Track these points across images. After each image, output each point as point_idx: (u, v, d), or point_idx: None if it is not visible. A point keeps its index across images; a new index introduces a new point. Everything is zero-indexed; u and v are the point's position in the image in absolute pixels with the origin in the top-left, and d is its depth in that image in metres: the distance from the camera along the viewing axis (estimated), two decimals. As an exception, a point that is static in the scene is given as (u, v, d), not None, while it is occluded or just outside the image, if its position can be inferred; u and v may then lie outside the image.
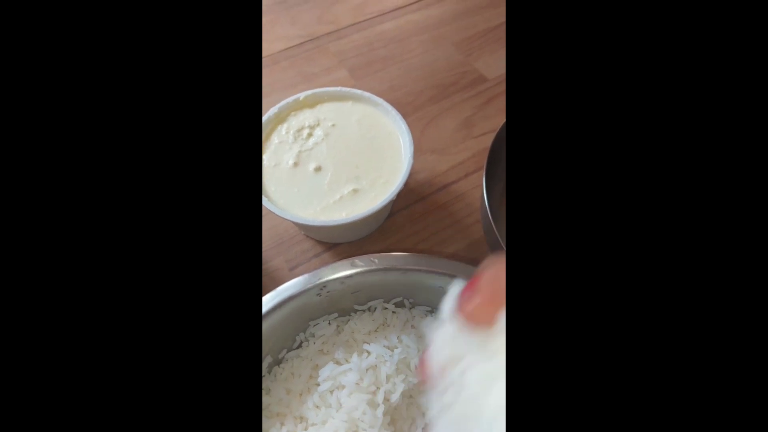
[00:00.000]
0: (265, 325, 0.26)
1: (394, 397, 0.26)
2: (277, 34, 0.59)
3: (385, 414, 0.26)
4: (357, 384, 0.26)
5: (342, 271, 0.27)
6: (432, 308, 0.31)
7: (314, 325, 0.30)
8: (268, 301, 0.26)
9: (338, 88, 0.41)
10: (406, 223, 0.44)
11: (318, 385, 0.27)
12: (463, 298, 0.17)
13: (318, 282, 0.27)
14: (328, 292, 0.28)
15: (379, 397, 0.26)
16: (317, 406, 0.27)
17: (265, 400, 0.28)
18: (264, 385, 0.29)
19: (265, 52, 0.57)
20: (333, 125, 0.40)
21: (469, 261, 0.36)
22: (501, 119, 0.38)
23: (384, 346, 0.28)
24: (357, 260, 0.27)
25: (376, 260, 0.27)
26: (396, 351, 0.28)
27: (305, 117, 0.40)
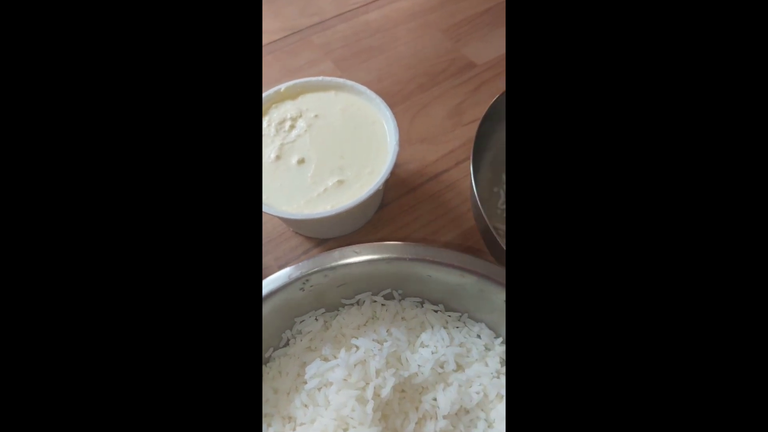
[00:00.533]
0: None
1: (385, 392, 0.25)
2: (260, 28, 0.58)
3: (375, 410, 0.25)
4: (345, 380, 0.25)
5: (324, 263, 0.26)
6: (423, 299, 0.30)
7: (300, 322, 0.29)
8: (249, 297, 0.25)
9: (320, 78, 0.40)
10: (398, 215, 0.43)
11: (306, 383, 0.26)
12: None
13: (300, 275, 0.26)
14: (311, 286, 0.27)
15: (369, 393, 0.25)
16: (305, 405, 0.26)
17: (252, 400, 0.27)
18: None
19: (248, 48, 0.56)
20: (316, 116, 0.38)
21: (464, 249, 0.35)
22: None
23: (373, 340, 0.27)
24: (338, 251, 0.26)
25: (358, 251, 0.26)
26: (386, 344, 0.27)
27: (287, 109, 0.39)
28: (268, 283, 0.26)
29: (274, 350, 0.29)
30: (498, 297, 0.27)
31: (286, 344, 0.29)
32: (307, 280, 0.26)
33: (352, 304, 0.30)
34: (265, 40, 0.56)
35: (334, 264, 0.26)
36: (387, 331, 0.28)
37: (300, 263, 0.26)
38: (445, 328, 0.29)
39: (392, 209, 0.43)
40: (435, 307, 0.30)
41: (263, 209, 0.33)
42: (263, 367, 0.28)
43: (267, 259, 0.41)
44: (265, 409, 0.26)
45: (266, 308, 0.26)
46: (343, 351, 0.26)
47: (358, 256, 0.26)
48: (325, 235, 0.41)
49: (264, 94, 0.39)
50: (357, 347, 0.27)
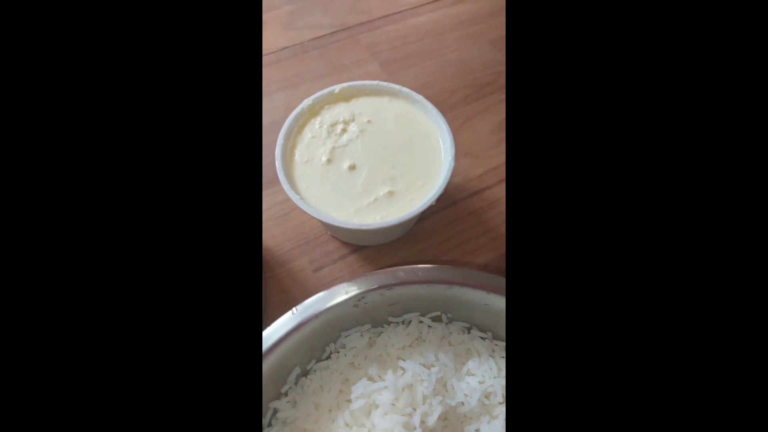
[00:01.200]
0: (299, 335, 0.24)
1: (431, 420, 0.24)
2: (307, 21, 0.57)
3: (420, 438, 0.24)
4: (392, 404, 0.24)
5: (384, 281, 0.25)
6: (470, 325, 0.29)
7: (346, 336, 0.28)
8: (303, 310, 0.24)
9: (375, 82, 0.39)
10: (437, 229, 0.42)
11: (349, 401, 0.25)
12: None
13: (357, 292, 0.25)
14: (366, 303, 0.26)
15: (416, 420, 0.24)
16: (348, 425, 0.25)
17: (292, 413, 0.26)
18: (290, 397, 0.27)
19: (294, 41, 0.55)
20: (369, 121, 0.37)
21: (502, 272, 0.34)
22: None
23: (420, 364, 0.26)
24: (401, 271, 0.25)
25: (420, 273, 0.25)
26: (433, 370, 0.26)
27: (340, 111, 0.38)
28: (324, 298, 0.25)
29: (316, 362, 0.28)
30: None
31: (328, 357, 0.28)
32: (362, 297, 0.25)
33: (398, 323, 0.29)
34: (312, 34, 0.55)
35: (393, 283, 0.25)
36: (434, 356, 0.27)
37: (358, 279, 0.25)
38: (491, 357, 0.28)
39: (432, 222, 0.42)
40: (483, 335, 0.29)
41: (312, 213, 0.32)
42: (303, 378, 0.28)
43: (302, 261, 0.40)
44: (305, 424, 0.25)
45: (319, 322, 0.25)
46: (390, 373, 0.26)
47: (417, 278, 0.25)
48: (364, 242, 0.40)
49: (317, 94, 0.38)
50: (404, 370, 0.26)
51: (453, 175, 0.46)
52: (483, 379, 0.27)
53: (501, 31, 0.57)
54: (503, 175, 0.46)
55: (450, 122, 0.49)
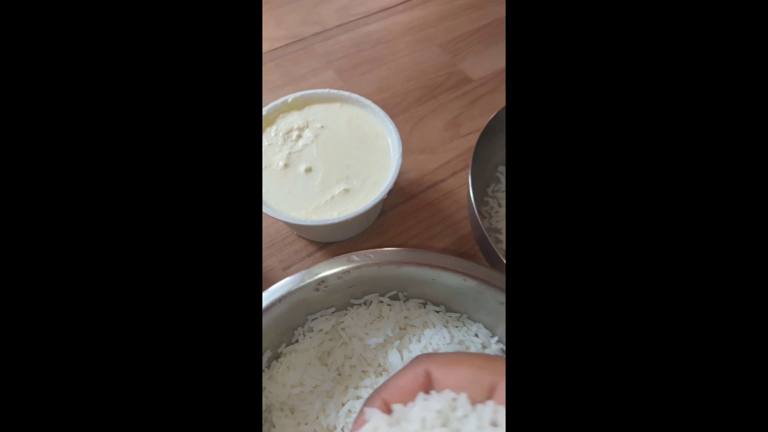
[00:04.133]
0: (266, 319, 0.27)
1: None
2: (262, 35, 0.60)
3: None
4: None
5: (339, 266, 0.28)
6: (426, 301, 0.32)
7: (312, 320, 0.31)
8: (267, 296, 0.27)
9: (326, 90, 0.42)
10: (397, 221, 0.45)
11: (321, 381, 0.28)
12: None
13: (316, 277, 0.28)
14: (326, 287, 0.29)
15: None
16: (322, 401, 0.28)
17: (266, 395, 0.29)
18: (264, 379, 0.29)
19: (252, 55, 0.57)
20: (322, 127, 0.40)
21: (459, 254, 0.37)
22: (486, 119, 0.40)
23: (383, 336, 0.30)
24: (354, 256, 0.28)
25: (372, 255, 0.28)
26: (395, 342, 0.29)
27: (293, 119, 0.41)
28: (287, 284, 0.28)
29: (286, 345, 0.31)
30: (494, 299, 0.29)
31: (297, 340, 0.31)
32: (322, 281, 0.28)
33: (360, 304, 0.32)
34: (267, 47, 0.58)
35: (348, 267, 0.28)
36: (392, 330, 0.30)
37: (316, 265, 0.28)
38: (445, 327, 0.31)
39: (392, 215, 0.46)
40: (437, 308, 0.32)
41: (273, 214, 0.34)
42: (275, 362, 0.30)
43: (272, 262, 0.43)
44: (280, 401, 0.28)
45: (283, 306, 0.28)
46: (357, 349, 0.28)
47: (371, 261, 0.28)
48: (329, 239, 0.43)
49: (271, 104, 0.40)
50: (364, 342, 0.29)
51: (409, 171, 0.50)
52: (438, 346, 0.30)
53: (449, 35, 0.61)
54: (455, 168, 0.49)
55: (405, 122, 0.53)
